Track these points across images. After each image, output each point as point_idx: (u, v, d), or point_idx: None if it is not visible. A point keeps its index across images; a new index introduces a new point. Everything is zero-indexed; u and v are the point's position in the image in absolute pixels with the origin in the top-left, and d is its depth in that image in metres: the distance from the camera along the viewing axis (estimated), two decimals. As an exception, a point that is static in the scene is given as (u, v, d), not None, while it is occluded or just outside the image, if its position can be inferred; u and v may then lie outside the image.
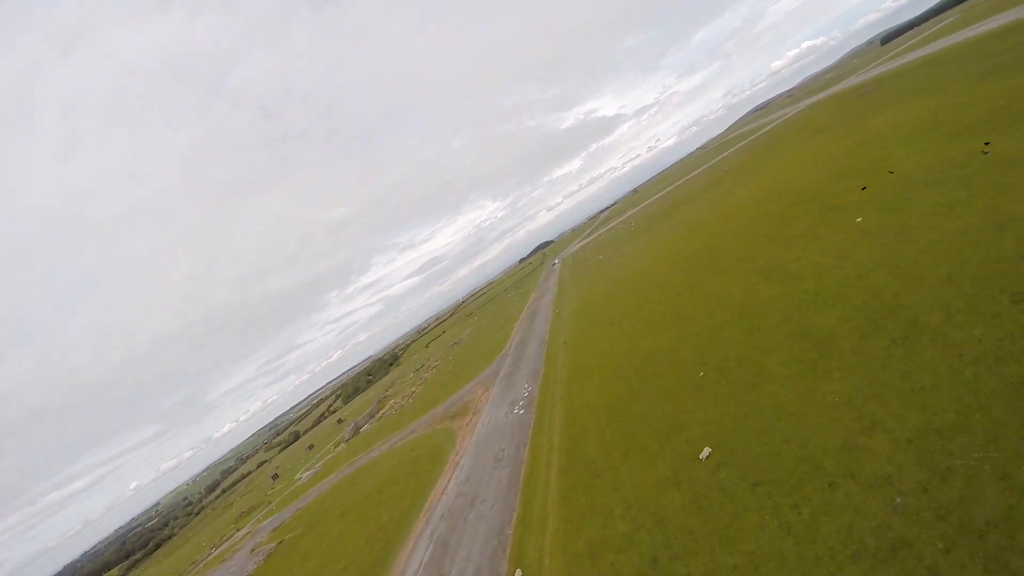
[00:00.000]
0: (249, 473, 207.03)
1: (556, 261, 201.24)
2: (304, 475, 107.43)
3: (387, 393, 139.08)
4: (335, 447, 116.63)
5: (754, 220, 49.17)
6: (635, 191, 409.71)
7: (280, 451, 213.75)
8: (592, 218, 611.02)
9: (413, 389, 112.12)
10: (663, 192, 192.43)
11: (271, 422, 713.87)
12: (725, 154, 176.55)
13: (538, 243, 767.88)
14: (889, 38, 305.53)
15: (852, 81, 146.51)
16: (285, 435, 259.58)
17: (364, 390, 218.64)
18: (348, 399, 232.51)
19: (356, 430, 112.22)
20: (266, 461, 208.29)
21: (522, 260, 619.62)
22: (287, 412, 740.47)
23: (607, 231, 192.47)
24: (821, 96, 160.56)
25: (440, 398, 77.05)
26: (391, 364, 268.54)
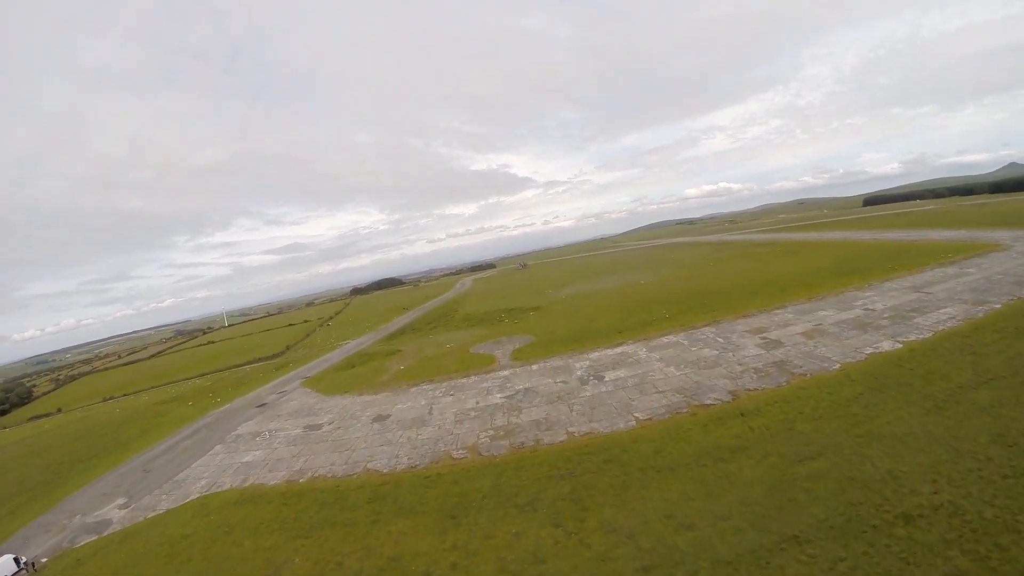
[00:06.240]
0: None
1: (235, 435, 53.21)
2: None
3: None
4: None
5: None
6: (524, 266, 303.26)
7: None
8: (459, 271, 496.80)
9: None
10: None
11: (61, 348, 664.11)
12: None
13: (390, 275, 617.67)
14: (871, 201, 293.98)
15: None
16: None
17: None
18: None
19: None
20: None
21: (355, 291, 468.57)
22: (95, 342, 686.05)
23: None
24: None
25: None
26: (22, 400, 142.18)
